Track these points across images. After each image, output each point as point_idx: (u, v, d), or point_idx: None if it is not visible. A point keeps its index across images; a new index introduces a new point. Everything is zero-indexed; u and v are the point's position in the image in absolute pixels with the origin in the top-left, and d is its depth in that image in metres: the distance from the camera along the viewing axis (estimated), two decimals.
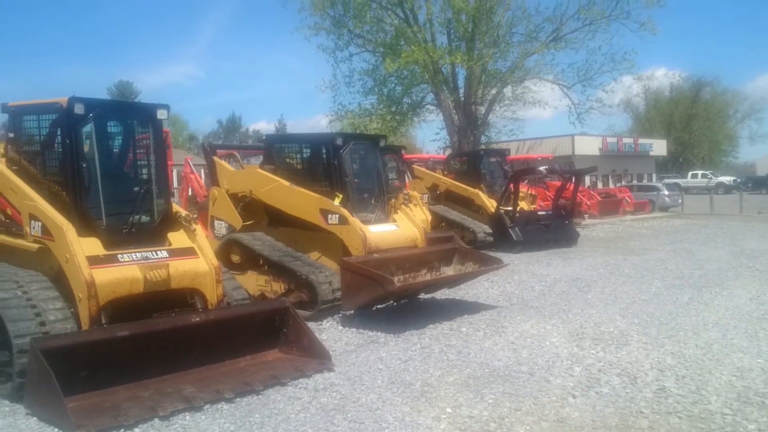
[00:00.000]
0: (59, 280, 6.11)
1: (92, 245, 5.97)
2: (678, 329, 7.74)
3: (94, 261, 5.83)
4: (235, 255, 9.61)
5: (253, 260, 9.46)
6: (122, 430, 4.91)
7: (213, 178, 10.81)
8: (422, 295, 9.69)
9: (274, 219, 10.17)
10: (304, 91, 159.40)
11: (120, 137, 6.67)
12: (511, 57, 30.46)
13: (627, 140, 51.47)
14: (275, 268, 9.15)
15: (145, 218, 6.52)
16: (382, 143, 10.70)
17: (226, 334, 6.39)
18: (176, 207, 7.00)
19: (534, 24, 29.72)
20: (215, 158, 10.82)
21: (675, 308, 8.96)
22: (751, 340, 7.15)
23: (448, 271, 9.43)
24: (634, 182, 42.90)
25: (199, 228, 6.83)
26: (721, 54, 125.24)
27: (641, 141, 53.43)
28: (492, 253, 11.44)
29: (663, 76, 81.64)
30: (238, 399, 5.56)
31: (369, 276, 7.91)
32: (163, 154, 6.86)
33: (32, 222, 6.18)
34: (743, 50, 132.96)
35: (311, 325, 7.43)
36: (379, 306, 8.92)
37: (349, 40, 30.56)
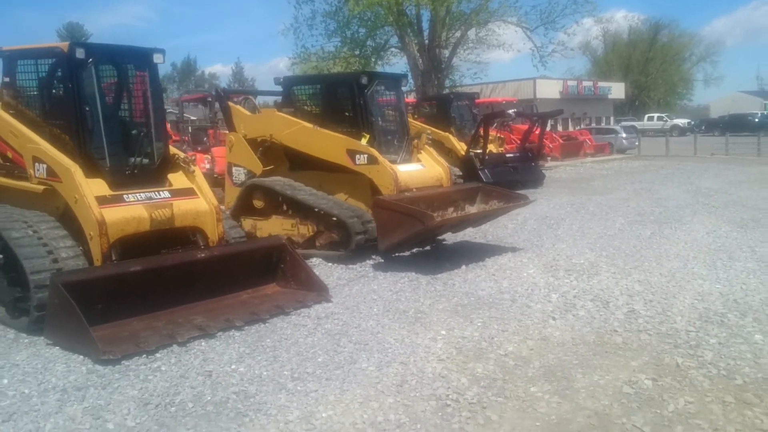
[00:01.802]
0: (64, 220, 6.38)
1: (98, 186, 6.22)
2: (643, 260, 8.38)
3: (102, 201, 6.10)
4: (258, 200, 9.54)
5: (277, 205, 9.44)
6: (144, 355, 5.31)
7: (229, 124, 10.57)
8: (444, 238, 9.86)
9: (295, 163, 10.02)
10: (261, 34, 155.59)
11: (119, 81, 6.82)
12: None
13: (587, 83, 52.23)
14: (302, 211, 9.12)
15: (145, 160, 6.76)
16: (404, 83, 10.62)
17: (228, 269, 6.76)
18: (173, 149, 7.23)
19: None
20: (230, 103, 10.56)
21: (639, 242, 9.61)
22: (710, 269, 7.82)
23: (473, 209, 9.38)
24: (593, 125, 43.82)
25: (197, 169, 7.10)
26: None
27: (600, 84, 54.26)
28: None
29: (622, 19, 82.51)
30: (246, 327, 6.00)
31: (407, 213, 7.87)
32: (160, 97, 7.08)
33: (36, 164, 6.38)
34: None
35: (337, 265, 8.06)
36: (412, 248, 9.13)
37: None
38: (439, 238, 9.67)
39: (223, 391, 4.66)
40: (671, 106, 78.10)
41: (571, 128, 42.36)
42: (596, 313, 6.23)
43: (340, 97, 10.09)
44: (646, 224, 11.11)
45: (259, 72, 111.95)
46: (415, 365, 5.05)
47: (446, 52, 32.65)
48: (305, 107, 10.17)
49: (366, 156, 8.95)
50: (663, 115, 61.07)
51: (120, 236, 6.14)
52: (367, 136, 9.14)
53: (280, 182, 9.46)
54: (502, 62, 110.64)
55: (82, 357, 5.27)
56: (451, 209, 9.02)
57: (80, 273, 5.72)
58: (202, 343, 5.61)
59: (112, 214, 6.08)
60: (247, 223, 9.61)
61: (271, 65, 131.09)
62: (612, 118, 53.91)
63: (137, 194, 6.44)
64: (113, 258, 6.07)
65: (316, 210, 8.86)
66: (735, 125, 47.79)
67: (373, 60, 34.08)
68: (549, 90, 45.06)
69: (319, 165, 9.54)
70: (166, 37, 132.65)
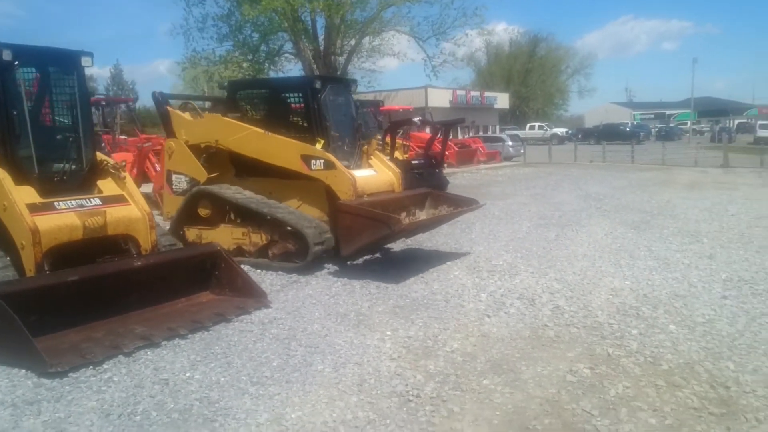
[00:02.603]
0: None
1: (28, 193, 5.98)
2: (555, 260, 8.98)
3: (33, 209, 5.87)
4: (204, 208, 9.18)
5: (225, 213, 9.19)
6: (91, 366, 5.16)
7: (168, 130, 9.97)
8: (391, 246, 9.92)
9: (242, 169, 9.70)
10: (140, 34, 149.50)
11: (46, 84, 6.54)
12: (369, 8, 31.10)
13: (474, 93, 54.17)
14: (254, 220, 8.84)
15: (74, 166, 6.53)
16: (354, 87, 10.46)
17: (164, 277, 6.65)
18: (101, 155, 7.01)
19: None
20: (170, 108, 10.05)
21: (547, 243, 10.26)
22: (616, 267, 8.51)
23: (423, 214, 9.42)
24: (480, 133, 45.60)
25: (128, 175, 6.93)
26: (555, 11, 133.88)
27: (487, 94, 56.47)
28: None
29: (503, 31, 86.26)
30: (191, 335, 5.94)
31: (373, 217, 7.78)
32: (88, 102, 6.85)
33: None
34: (574, 8, 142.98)
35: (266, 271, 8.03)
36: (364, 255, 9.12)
37: None
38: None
39: (185, 398, 4.63)
40: (549, 116, 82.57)
41: (461, 137, 43.88)
42: (525, 310, 6.66)
43: (292, 102, 9.88)
44: (549, 227, 11.84)
45: (140, 74, 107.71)
46: (370, 365, 5.23)
47: (341, 60, 32.96)
48: (253, 112, 9.89)
49: (322, 161, 8.77)
50: (543, 124, 64.59)
51: (53, 245, 5.92)
52: (322, 141, 9.02)
53: (231, 190, 9.16)
54: (390, 70, 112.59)
55: (24, 371, 5.05)
56: (403, 214, 8.99)
57: (16, 284, 5.48)
58: (149, 353, 5.52)
59: (45, 222, 5.86)
60: (192, 232, 9.28)
61: (152, 67, 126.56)
62: (497, 127, 56.24)
63: (68, 201, 6.23)
64: (46, 268, 5.83)
65: (270, 219, 8.62)
66: (608, 134, 51.24)
67: (266, 65, 33.84)
68: (439, 99, 46.37)
69: (268, 171, 9.27)
70: (35, 35, 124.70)
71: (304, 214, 8.82)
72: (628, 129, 58.66)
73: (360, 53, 34.19)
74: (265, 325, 6.26)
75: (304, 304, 6.97)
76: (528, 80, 79.12)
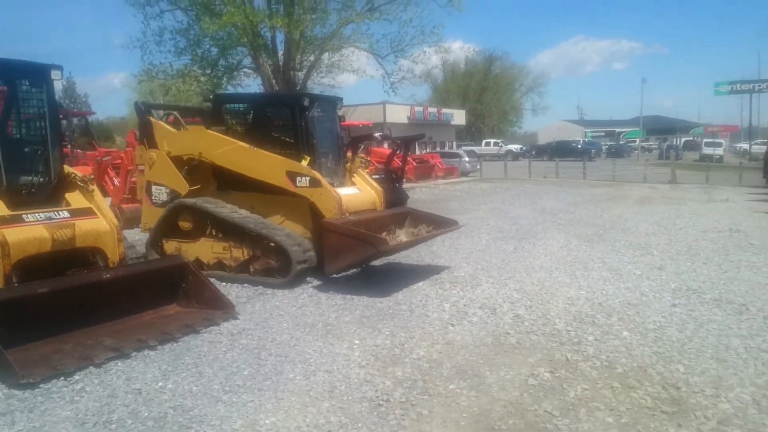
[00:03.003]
0: None
1: None
2: (514, 272, 9.28)
3: (1, 221, 5.87)
4: (185, 222, 9.10)
5: (206, 227, 9.12)
6: (62, 377, 5.19)
7: (149, 140, 9.82)
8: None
9: (224, 183, 9.58)
10: (94, 48, 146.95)
11: (14, 97, 6.55)
12: (329, 24, 31.39)
13: (432, 110, 54.93)
14: (236, 235, 8.75)
15: (42, 179, 6.55)
16: (339, 106, 10.39)
17: (131, 290, 6.69)
18: (68, 168, 7.03)
19: None
20: (152, 118, 9.89)
21: (506, 256, 10.57)
22: (572, 278, 8.85)
23: (402, 233, 9.43)
24: (438, 149, 46.24)
25: (96, 189, 6.96)
26: (509, 31, 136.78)
27: (444, 110, 57.32)
28: None
29: (459, 49, 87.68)
30: (160, 346, 6.00)
31: (360, 237, 7.80)
32: (57, 114, 6.87)
33: None
34: (528, 28, 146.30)
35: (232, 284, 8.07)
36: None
37: None
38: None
39: (158, 407, 4.71)
40: (504, 132, 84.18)
41: (418, 152, 44.41)
42: (487, 319, 6.90)
43: (279, 118, 9.84)
44: (507, 240, 12.18)
45: (93, 87, 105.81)
46: (340, 372, 5.39)
47: (301, 75, 33.14)
48: (238, 126, 9.80)
49: (308, 179, 8.73)
50: (498, 140, 65.73)
51: (21, 257, 5.92)
52: (308, 158, 9.01)
53: (215, 204, 9.05)
54: (348, 86, 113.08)
55: None
56: (384, 233, 8.90)
57: None
58: (119, 364, 5.56)
59: (14, 235, 5.87)
60: (171, 245, 9.20)
61: (106, 80, 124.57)
62: (454, 143, 57.07)
63: (36, 214, 6.25)
64: (14, 280, 5.84)
65: (254, 235, 8.58)
66: (561, 151, 52.58)
67: (225, 80, 33.78)
68: (397, 115, 46.89)
69: (251, 186, 9.17)
70: None
71: (289, 231, 8.77)
72: (579, 146, 60.17)
73: (319, 69, 34.45)
74: (234, 335, 6.35)
75: (272, 316, 7.08)
76: (483, 97, 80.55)
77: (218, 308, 6.98)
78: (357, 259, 8.17)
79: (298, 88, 32.65)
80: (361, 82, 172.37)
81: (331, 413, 4.60)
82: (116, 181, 15.39)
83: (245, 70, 34.01)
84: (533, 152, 58.54)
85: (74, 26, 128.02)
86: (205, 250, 8.95)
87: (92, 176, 7.28)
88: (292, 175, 8.78)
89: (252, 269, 8.70)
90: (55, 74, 6.57)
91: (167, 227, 9.27)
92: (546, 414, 4.57)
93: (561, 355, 5.78)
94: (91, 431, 4.31)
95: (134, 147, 17.21)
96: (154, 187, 9.72)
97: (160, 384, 5.14)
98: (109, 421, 4.47)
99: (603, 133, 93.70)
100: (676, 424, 4.39)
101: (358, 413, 4.61)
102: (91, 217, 6.68)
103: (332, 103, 10.33)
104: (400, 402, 4.79)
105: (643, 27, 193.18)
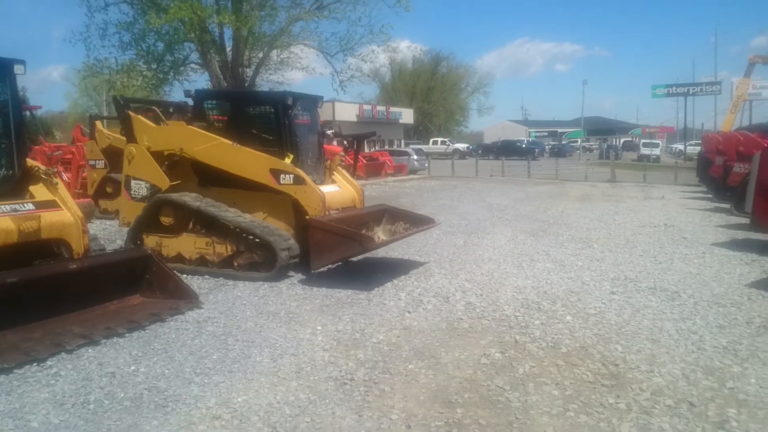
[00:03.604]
0: None
1: None
2: (464, 264, 9.74)
3: None
4: (166, 217, 9.13)
5: (187, 222, 9.15)
6: (35, 363, 5.35)
7: (129, 135, 9.76)
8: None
9: (204, 179, 9.62)
10: (32, 41, 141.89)
11: None
12: (278, 21, 31.43)
13: (380, 108, 55.45)
14: (219, 230, 8.83)
15: (6, 171, 6.63)
16: (320, 104, 10.47)
17: (96, 280, 6.83)
18: (31, 161, 7.11)
19: None
20: (132, 113, 9.81)
21: (456, 249, 11.04)
22: (519, 269, 9.35)
23: (380, 230, 9.65)
24: (387, 147, 46.77)
25: (60, 181, 7.06)
26: (456, 31, 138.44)
27: (392, 109, 57.93)
28: None
29: (407, 49, 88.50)
30: (128, 334, 6.20)
31: (346, 235, 8.01)
32: (20, 108, 6.94)
33: None
34: (474, 29, 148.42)
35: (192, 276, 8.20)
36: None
37: None
38: None
39: (134, 388, 4.94)
40: (451, 131, 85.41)
41: (367, 150, 44.79)
42: (441, 306, 7.31)
43: (262, 116, 9.95)
44: (457, 234, 12.66)
45: (31, 81, 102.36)
46: (305, 355, 5.70)
47: (249, 72, 33.08)
48: (219, 123, 9.82)
49: (292, 176, 8.85)
50: (446, 139, 66.78)
51: None
52: (291, 156, 9.15)
53: (197, 199, 9.11)
54: (297, 83, 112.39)
55: None
56: (363, 230, 9.08)
57: None
58: (90, 350, 5.75)
59: None
60: (151, 240, 9.24)
61: (45, 73, 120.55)
62: (402, 141, 57.70)
63: (2, 206, 6.32)
64: None
65: (240, 231, 8.69)
66: (506, 150, 53.83)
67: (171, 75, 33.42)
68: (347, 113, 47.21)
69: (232, 182, 9.27)
70: None
71: (273, 227, 8.87)
72: (524, 146, 61.71)
73: (268, 66, 34.42)
74: (200, 323, 6.59)
75: (235, 305, 7.33)
76: (431, 97, 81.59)
77: (182, 298, 7.19)
78: (342, 255, 8.41)
79: (246, 84, 32.60)
80: (310, 80, 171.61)
81: (299, 391, 4.91)
82: (65, 177, 15.28)
83: (192, 65, 33.75)
84: (479, 151, 59.77)
85: (9, 16, 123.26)
86: (187, 244, 9.04)
87: (56, 169, 7.38)
88: (276, 173, 8.90)
89: (236, 264, 8.82)
90: (18, 68, 6.64)
91: (148, 222, 9.30)
92: (498, 389, 4.99)
93: (510, 337, 6.22)
94: (70, 411, 4.51)
95: (82, 142, 17.11)
96: (133, 182, 9.72)
97: (132, 368, 5.36)
98: (86, 401, 4.67)
99: (546, 133, 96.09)
100: (614, 395, 4.87)
101: (325, 391, 4.93)
102: (55, 210, 6.78)
103: (314, 101, 10.48)
104: (364, 381, 5.13)
105: (585, 30, 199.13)
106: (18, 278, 5.88)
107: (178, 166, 9.62)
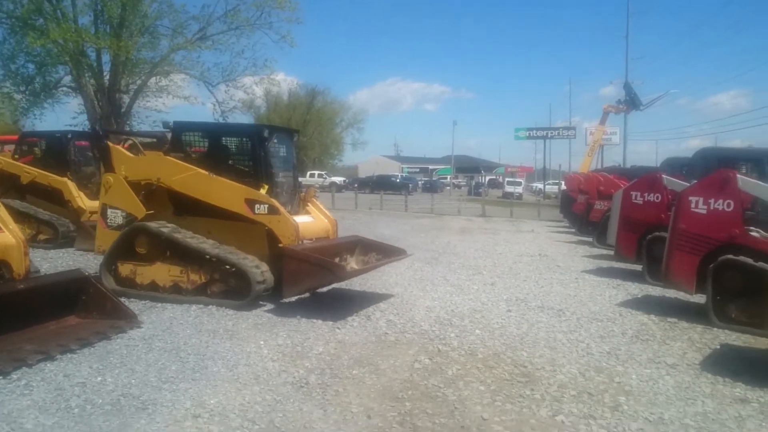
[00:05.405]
0: None
1: None
2: (374, 288, 10.61)
3: None
4: (141, 245, 9.26)
5: (161, 250, 9.24)
6: (0, 377, 5.58)
7: (106, 164, 9.80)
8: None
9: (180, 208, 9.70)
10: None
11: None
12: (159, 49, 31.26)
13: None
14: (194, 258, 8.97)
15: None
16: (295, 137, 10.70)
17: (35, 301, 7.01)
18: None
19: (181, 20, 30.88)
20: (110, 143, 9.81)
21: (360, 277, 11.86)
22: (424, 292, 10.36)
23: (352, 261, 9.96)
24: None
25: (1, 204, 7.21)
26: (330, 67, 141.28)
27: None
28: None
29: (282, 82, 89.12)
30: (80, 350, 6.49)
31: (320, 264, 8.30)
32: None
33: None
34: (348, 66, 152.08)
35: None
36: None
37: None
38: None
39: (109, 395, 5.34)
40: (325, 165, 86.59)
41: None
42: (365, 324, 8.11)
43: (239, 148, 10.20)
44: None
45: None
46: (257, 365, 6.30)
47: (127, 98, 32.47)
48: (196, 154, 9.99)
49: (266, 206, 9.03)
50: (323, 172, 67.89)
51: None
52: (266, 187, 9.35)
53: (171, 228, 9.26)
54: (177, 110, 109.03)
55: None
56: (337, 260, 9.40)
57: None
58: (49, 365, 6.02)
59: None
60: (126, 267, 9.34)
61: None
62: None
63: None
64: None
65: (215, 261, 8.89)
66: (382, 184, 55.53)
67: (42, 98, 32.13)
68: None
69: (208, 211, 9.39)
70: None
71: (248, 256, 9.04)
72: (398, 180, 64.04)
73: (146, 93, 33.93)
74: (147, 340, 6.97)
75: (173, 324, 7.73)
76: (306, 130, 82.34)
77: (121, 318, 7.50)
78: (315, 284, 8.79)
79: (122, 110, 31.97)
80: (193, 108, 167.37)
81: (264, 393, 5.53)
82: None
83: (64, 88, 32.70)
84: (356, 185, 61.17)
85: None
86: (161, 273, 9.19)
87: None
88: (251, 203, 9.10)
89: (209, 292, 9.02)
90: None
91: (124, 250, 9.38)
92: (434, 386, 5.86)
93: (433, 347, 7.14)
94: (57, 415, 4.87)
95: None
96: (110, 211, 9.86)
97: (99, 378, 5.72)
98: (69, 407, 5.04)
99: (418, 169, 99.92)
100: (529, 389, 5.89)
101: (287, 393, 5.58)
102: None
103: (290, 134, 10.93)
104: (318, 384, 5.83)
105: (451, 74, 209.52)
106: None
107: (154, 195, 9.81)
